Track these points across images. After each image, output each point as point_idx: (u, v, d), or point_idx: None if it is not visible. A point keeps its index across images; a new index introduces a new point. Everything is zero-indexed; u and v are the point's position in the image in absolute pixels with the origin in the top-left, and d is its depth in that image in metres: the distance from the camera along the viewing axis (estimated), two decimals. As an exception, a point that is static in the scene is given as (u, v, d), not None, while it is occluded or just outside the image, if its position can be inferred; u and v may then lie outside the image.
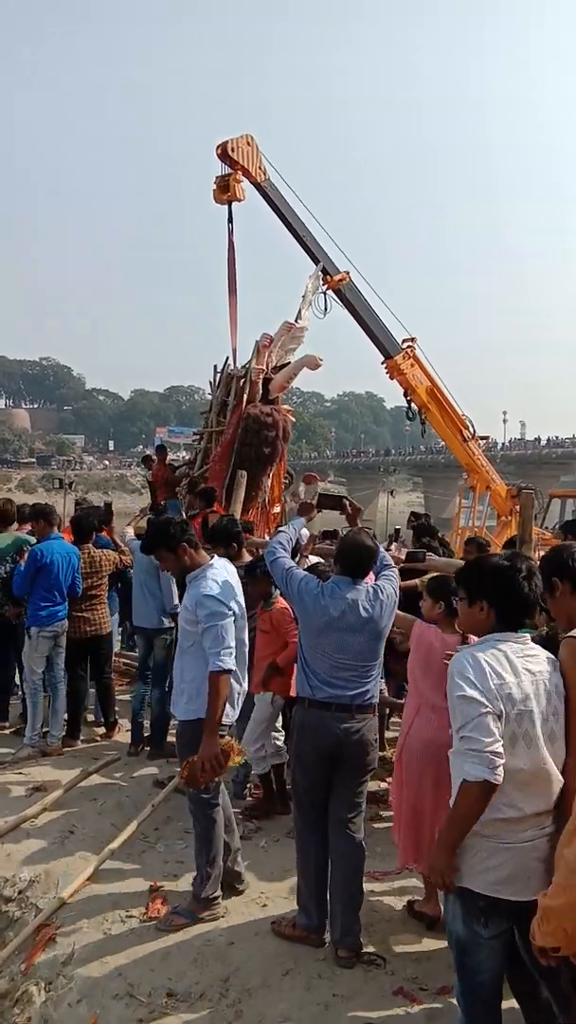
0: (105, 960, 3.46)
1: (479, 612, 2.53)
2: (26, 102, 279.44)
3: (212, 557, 3.82)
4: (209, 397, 11.05)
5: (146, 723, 6.03)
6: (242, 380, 9.46)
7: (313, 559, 5.59)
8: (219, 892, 3.77)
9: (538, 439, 71.26)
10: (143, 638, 6.18)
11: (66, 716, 6.13)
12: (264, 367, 9.67)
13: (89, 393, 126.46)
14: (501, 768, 2.20)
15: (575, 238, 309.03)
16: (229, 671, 3.52)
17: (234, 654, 3.57)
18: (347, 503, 4.17)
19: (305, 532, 5.13)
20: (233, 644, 3.56)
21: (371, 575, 3.65)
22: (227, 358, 9.97)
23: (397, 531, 8.34)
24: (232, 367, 9.81)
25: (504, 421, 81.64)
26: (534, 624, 3.41)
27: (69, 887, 3.98)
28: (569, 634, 2.48)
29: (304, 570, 3.87)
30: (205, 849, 3.73)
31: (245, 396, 9.38)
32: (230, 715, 3.69)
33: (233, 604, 3.63)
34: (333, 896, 3.51)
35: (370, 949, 3.46)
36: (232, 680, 3.63)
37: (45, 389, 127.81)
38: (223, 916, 3.72)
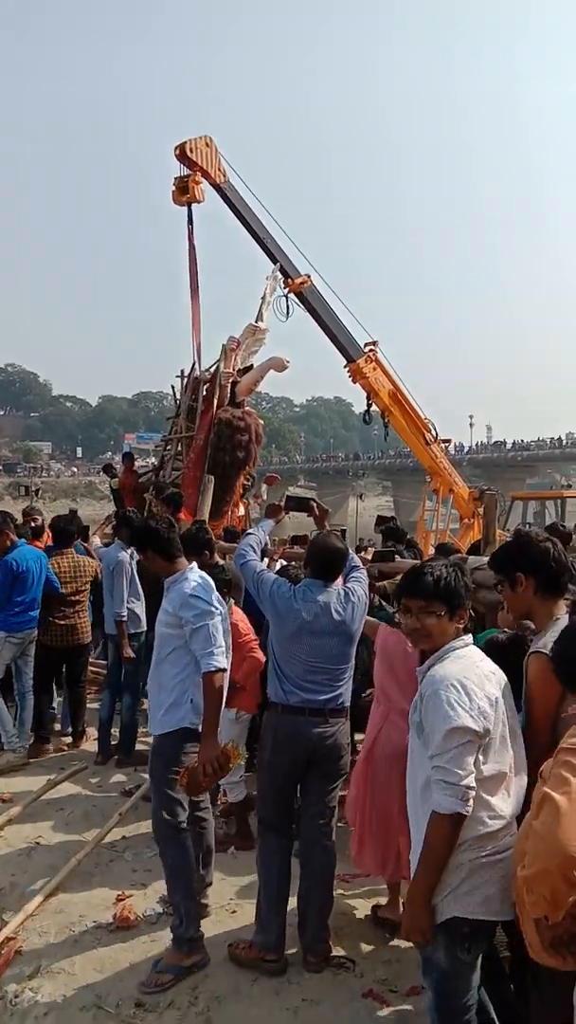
0: (72, 972, 3.41)
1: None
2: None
3: (191, 563, 3.71)
4: (174, 402, 11.01)
5: (115, 732, 5.97)
6: (208, 384, 9.43)
7: (282, 563, 5.59)
8: (201, 930, 3.46)
9: (504, 443, 72.12)
10: (113, 645, 6.11)
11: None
12: (232, 370, 9.70)
13: (56, 399, 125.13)
14: (472, 800, 2.16)
15: (545, 241, 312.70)
16: (224, 670, 3.37)
17: (225, 652, 3.46)
18: (314, 505, 4.14)
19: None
20: (224, 643, 3.44)
21: (340, 578, 3.63)
22: (193, 363, 9.95)
23: (361, 541, 8.41)
24: (198, 370, 9.76)
25: (471, 425, 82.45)
26: (495, 624, 3.45)
27: (35, 899, 3.92)
28: (536, 648, 2.47)
29: (274, 573, 3.85)
30: (179, 883, 3.45)
31: (215, 400, 9.35)
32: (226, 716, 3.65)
33: (217, 604, 3.53)
34: (303, 905, 3.47)
35: (339, 952, 3.45)
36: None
37: (11, 396, 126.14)
38: (209, 963, 3.39)
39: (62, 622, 6.15)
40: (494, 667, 2.39)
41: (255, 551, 3.70)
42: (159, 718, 3.52)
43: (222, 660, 3.37)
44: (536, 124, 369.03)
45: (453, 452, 67.00)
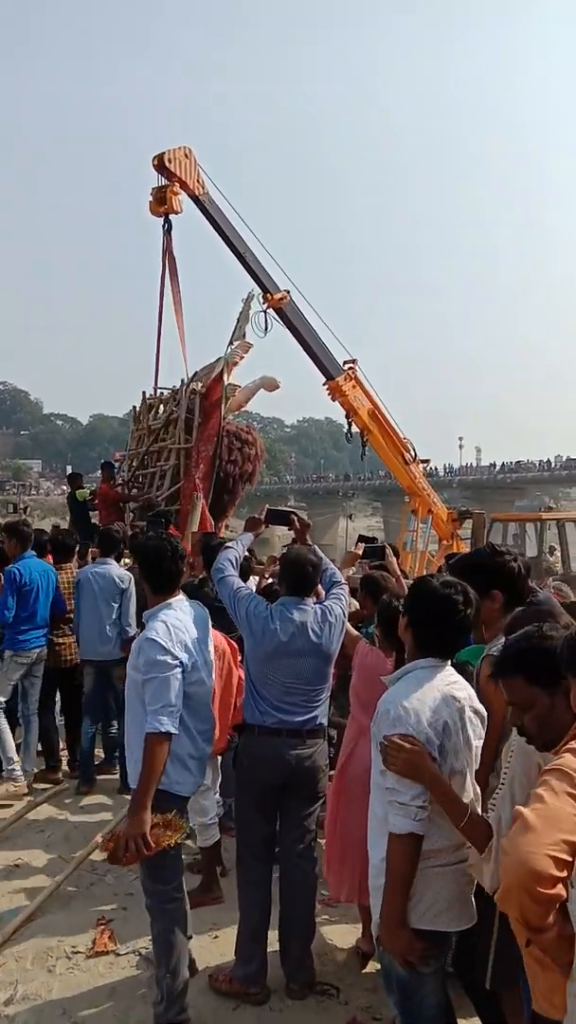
0: (50, 998, 3.33)
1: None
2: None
3: (177, 593, 3.23)
4: (135, 417, 11.01)
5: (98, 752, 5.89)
6: (203, 397, 9.38)
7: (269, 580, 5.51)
8: (187, 1014, 3.06)
9: (493, 464, 72.48)
10: (93, 670, 5.77)
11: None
12: (233, 384, 9.77)
13: (47, 418, 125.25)
14: (426, 818, 2.16)
15: (548, 262, 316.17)
16: (166, 735, 2.88)
17: (177, 713, 2.94)
18: (295, 518, 4.02)
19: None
20: (177, 702, 2.94)
21: (320, 592, 3.57)
22: (183, 379, 9.98)
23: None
24: (191, 383, 9.74)
25: (460, 447, 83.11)
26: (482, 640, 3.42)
27: (12, 922, 3.84)
28: (490, 651, 2.48)
29: (260, 592, 3.78)
30: (165, 955, 3.06)
31: (222, 411, 9.32)
32: (181, 785, 3.05)
33: (181, 652, 2.98)
34: (285, 931, 3.40)
35: (322, 979, 3.39)
36: (186, 742, 3.04)
37: (1, 413, 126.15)
38: None
39: (61, 640, 5.94)
40: (464, 693, 2.33)
41: (233, 566, 3.59)
42: (132, 772, 3.07)
43: (167, 723, 2.88)
44: (537, 131, 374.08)
45: (443, 474, 68.15)
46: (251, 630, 3.35)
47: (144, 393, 10.90)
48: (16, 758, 5.53)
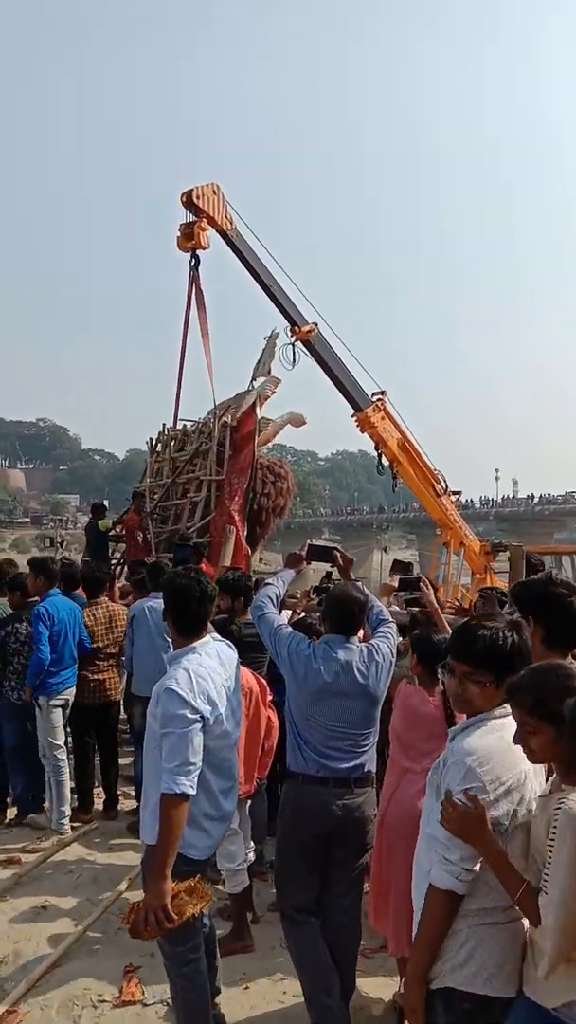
0: (73, 1050, 3.22)
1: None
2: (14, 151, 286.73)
3: (204, 635, 3.03)
4: (152, 448, 11.08)
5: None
6: (235, 430, 9.41)
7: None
8: None
9: (531, 496, 71.62)
10: (142, 706, 5.56)
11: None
12: (266, 418, 9.86)
13: (85, 453, 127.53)
14: (467, 880, 2.04)
15: None
16: (183, 796, 2.65)
17: (196, 771, 2.71)
18: (338, 554, 3.88)
19: None
20: (196, 760, 2.72)
21: (366, 630, 3.45)
22: (212, 411, 10.04)
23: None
24: (219, 416, 9.78)
25: (496, 479, 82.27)
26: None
27: (37, 969, 3.74)
28: None
29: (292, 626, 3.68)
30: (185, 1016, 2.98)
31: (255, 444, 9.34)
32: (195, 848, 2.83)
33: (203, 704, 2.77)
34: None
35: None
36: (204, 801, 2.84)
37: (41, 449, 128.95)
38: None
39: (95, 676, 5.85)
40: None
41: (273, 604, 3.46)
42: (148, 822, 2.85)
43: (185, 783, 2.65)
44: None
45: (479, 506, 67.50)
46: (293, 670, 3.20)
47: (164, 425, 10.99)
48: (68, 811, 5.46)
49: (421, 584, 4.34)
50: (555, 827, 1.85)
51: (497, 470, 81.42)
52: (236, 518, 8.81)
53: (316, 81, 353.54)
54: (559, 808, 1.87)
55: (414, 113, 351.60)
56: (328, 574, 5.91)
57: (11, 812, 5.79)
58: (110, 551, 10.67)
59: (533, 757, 2.03)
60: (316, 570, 4.33)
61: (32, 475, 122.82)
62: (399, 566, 7.16)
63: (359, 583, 3.75)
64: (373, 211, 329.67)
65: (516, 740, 2.03)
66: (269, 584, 3.65)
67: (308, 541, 4.07)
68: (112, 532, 10.51)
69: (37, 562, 5.85)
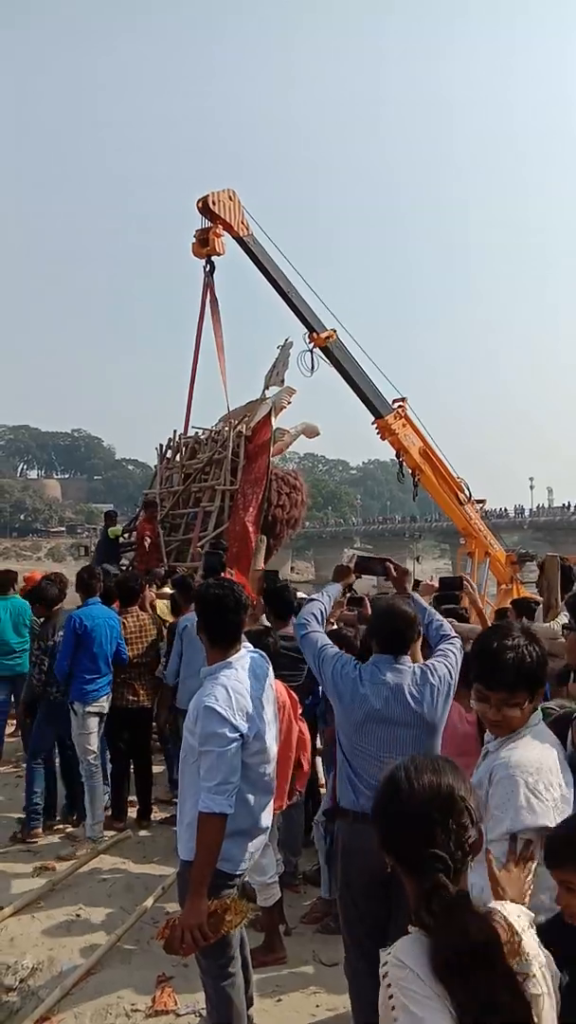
0: (106, 1059, 3.23)
1: None
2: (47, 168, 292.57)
3: (240, 648, 3.00)
4: (162, 454, 11.09)
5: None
6: (249, 440, 9.43)
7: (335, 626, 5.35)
8: None
9: (567, 505, 70.61)
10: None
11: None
12: (282, 429, 9.87)
13: (119, 463, 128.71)
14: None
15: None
16: (222, 816, 2.64)
17: (235, 790, 2.70)
18: (391, 566, 3.60)
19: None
20: (234, 778, 2.71)
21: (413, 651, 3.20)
22: (228, 420, 10.08)
23: (353, 592, 7.80)
24: (234, 425, 9.78)
25: (531, 487, 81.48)
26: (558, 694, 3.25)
27: (71, 976, 3.76)
28: None
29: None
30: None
31: (270, 454, 9.32)
32: (231, 863, 2.80)
33: (241, 721, 2.75)
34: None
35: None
36: (242, 816, 2.81)
37: (76, 459, 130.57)
38: None
39: (120, 681, 5.84)
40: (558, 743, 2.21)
41: (318, 621, 3.24)
42: (184, 837, 2.84)
43: (223, 803, 2.64)
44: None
45: (513, 515, 66.69)
46: (338, 694, 2.99)
47: (175, 431, 10.99)
48: (102, 819, 5.48)
49: (465, 583, 4.20)
50: None
51: (532, 479, 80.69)
52: (250, 529, 8.77)
53: (343, 75, 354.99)
54: None
55: (445, 110, 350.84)
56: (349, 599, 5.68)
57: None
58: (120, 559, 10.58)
59: None
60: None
61: (67, 485, 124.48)
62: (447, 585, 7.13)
63: (414, 595, 3.51)
64: (404, 221, 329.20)
65: None
66: (314, 600, 3.44)
67: (355, 553, 3.93)
68: (122, 539, 10.50)
69: (78, 575, 5.88)
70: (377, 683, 2.92)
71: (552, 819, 1.98)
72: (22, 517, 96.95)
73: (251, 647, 3.11)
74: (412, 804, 1.45)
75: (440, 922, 1.36)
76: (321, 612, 3.29)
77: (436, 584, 4.31)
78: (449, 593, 4.45)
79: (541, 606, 5.65)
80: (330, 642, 3.20)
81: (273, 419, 9.49)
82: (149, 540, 9.61)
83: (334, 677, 3.00)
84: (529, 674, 2.14)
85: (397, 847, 1.47)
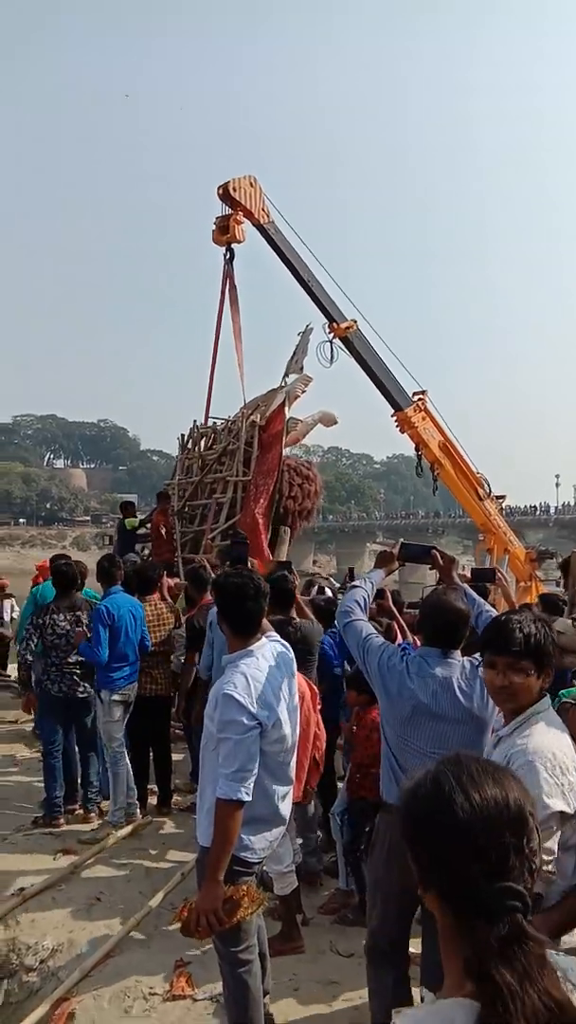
0: (124, 1041, 3.27)
1: None
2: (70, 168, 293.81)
3: (262, 637, 3.01)
4: (184, 445, 11.08)
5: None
6: (263, 429, 9.33)
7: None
8: None
9: (593, 503, 69.87)
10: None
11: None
12: (295, 418, 9.75)
13: (143, 454, 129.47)
14: None
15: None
16: (239, 803, 2.68)
17: (253, 778, 2.72)
18: (437, 554, 3.46)
19: None
20: (253, 766, 2.73)
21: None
22: (241, 410, 9.98)
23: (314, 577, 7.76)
24: (248, 415, 9.69)
25: (557, 485, 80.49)
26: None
27: (91, 958, 3.81)
28: None
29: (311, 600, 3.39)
30: (236, 1016, 2.96)
31: (283, 443, 9.24)
32: (250, 851, 2.83)
33: (260, 709, 2.76)
34: None
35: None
36: (260, 804, 2.81)
37: (102, 450, 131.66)
38: None
39: (143, 671, 5.85)
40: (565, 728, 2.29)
41: (362, 609, 3.13)
42: (203, 823, 2.87)
43: (241, 790, 2.67)
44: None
45: (539, 512, 66.14)
46: (384, 687, 2.90)
47: (195, 421, 10.95)
48: (124, 805, 5.51)
49: (499, 575, 4.07)
50: None
51: (557, 476, 79.74)
52: (260, 521, 8.69)
53: (369, 69, 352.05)
54: None
55: (470, 104, 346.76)
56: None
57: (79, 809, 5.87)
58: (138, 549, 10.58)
59: None
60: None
61: (93, 475, 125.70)
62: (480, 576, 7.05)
63: (466, 588, 3.37)
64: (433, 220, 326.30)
65: None
66: (356, 587, 3.32)
67: (400, 539, 3.73)
68: (139, 530, 10.51)
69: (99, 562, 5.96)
70: (425, 676, 2.84)
71: (570, 804, 2.04)
72: (48, 506, 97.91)
73: (275, 635, 3.11)
74: (477, 820, 1.04)
75: (525, 986, 0.95)
76: (364, 599, 3.19)
77: (468, 575, 4.19)
78: (480, 585, 4.35)
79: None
80: (374, 631, 3.11)
81: (287, 408, 9.34)
82: (165, 531, 9.64)
83: (380, 669, 2.91)
84: (535, 645, 2.21)
85: (446, 874, 1.05)
